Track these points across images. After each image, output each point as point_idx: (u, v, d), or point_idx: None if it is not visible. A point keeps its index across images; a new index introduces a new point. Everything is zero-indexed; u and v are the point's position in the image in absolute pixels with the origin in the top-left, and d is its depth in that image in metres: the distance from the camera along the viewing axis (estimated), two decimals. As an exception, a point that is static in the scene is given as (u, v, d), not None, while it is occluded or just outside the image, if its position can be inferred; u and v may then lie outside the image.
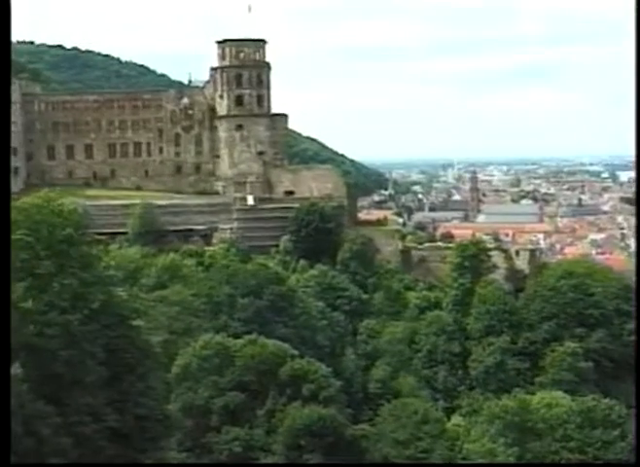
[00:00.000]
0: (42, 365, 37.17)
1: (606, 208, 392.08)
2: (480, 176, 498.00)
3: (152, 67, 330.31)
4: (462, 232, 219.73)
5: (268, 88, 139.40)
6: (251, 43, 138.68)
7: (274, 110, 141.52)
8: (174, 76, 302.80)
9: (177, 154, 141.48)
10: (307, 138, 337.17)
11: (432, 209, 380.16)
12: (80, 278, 41.12)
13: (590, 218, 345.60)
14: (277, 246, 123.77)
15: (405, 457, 70.42)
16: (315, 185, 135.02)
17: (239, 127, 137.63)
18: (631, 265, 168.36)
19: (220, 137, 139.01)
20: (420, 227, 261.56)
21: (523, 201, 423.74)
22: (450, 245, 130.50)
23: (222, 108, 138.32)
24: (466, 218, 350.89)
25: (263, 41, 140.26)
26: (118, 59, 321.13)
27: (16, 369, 34.88)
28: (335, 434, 68.48)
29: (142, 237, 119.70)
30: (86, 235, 45.87)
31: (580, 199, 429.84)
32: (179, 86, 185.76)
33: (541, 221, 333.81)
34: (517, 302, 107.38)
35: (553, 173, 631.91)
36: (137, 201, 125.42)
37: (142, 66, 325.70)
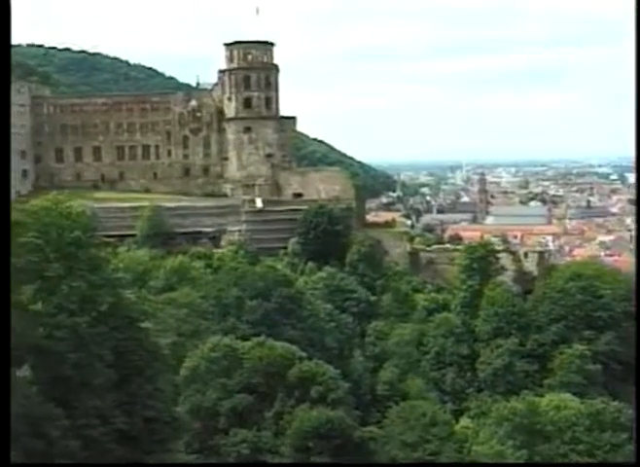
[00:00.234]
0: (51, 367, 37.26)
1: (615, 210, 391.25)
2: (489, 178, 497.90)
3: (160, 70, 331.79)
4: (470, 233, 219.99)
5: (277, 90, 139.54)
6: (259, 45, 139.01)
7: (282, 112, 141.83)
8: (182, 78, 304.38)
9: (185, 156, 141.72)
10: (315, 140, 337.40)
11: (440, 211, 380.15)
12: (88, 281, 41.23)
13: (599, 220, 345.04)
14: (285, 248, 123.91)
15: (413, 459, 70.13)
16: (323, 187, 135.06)
17: (247, 130, 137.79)
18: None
19: (228, 140, 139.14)
20: (428, 229, 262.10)
21: (532, 203, 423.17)
22: (459, 247, 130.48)
23: (230, 110, 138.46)
24: (474, 220, 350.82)
25: (271, 43, 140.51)
26: (126, 62, 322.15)
27: (25, 371, 34.99)
28: (343, 436, 68.27)
29: (150, 240, 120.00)
30: (94, 238, 46.00)
31: (588, 201, 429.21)
32: (187, 88, 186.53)
33: (549, 223, 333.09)
34: (526, 304, 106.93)
35: (562, 175, 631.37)
36: (146, 204, 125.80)
37: (150, 69, 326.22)
